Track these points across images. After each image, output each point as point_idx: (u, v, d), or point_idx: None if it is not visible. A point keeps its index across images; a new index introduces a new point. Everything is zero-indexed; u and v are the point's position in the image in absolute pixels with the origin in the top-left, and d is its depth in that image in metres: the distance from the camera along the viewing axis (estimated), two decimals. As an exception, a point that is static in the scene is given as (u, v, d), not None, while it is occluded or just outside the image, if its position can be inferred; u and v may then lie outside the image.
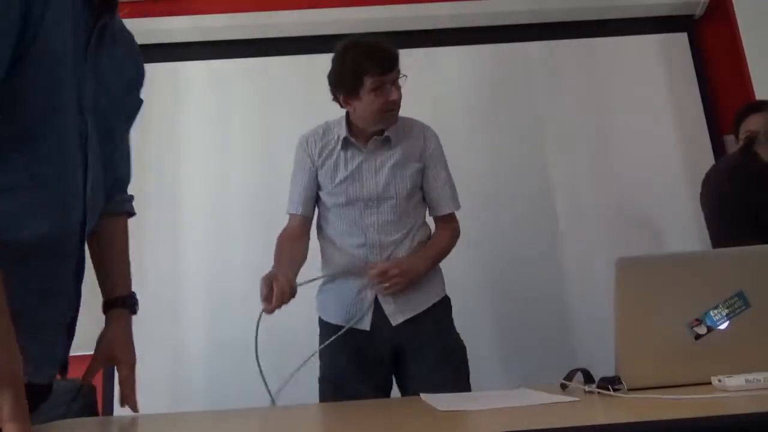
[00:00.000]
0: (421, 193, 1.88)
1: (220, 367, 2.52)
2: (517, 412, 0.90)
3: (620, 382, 1.03)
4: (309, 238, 1.90)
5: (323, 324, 1.84)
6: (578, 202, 2.75)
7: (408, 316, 1.76)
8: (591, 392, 1.04)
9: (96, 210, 1.07)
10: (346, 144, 1.86)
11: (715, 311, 1.06)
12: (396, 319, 1.76)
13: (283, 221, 2.68)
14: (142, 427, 1.15)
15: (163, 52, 2.88)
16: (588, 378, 1.10)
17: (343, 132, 1.88)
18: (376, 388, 1.75)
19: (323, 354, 1.78)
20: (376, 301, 1.77)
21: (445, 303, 1.86)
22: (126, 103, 1.20)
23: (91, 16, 1.01)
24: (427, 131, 1.93)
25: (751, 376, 0.93)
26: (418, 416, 0.99)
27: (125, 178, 1.33)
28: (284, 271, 1.65)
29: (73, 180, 0.98)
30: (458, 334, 1.84)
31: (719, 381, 0.95)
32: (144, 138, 2.79)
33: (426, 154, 1.88)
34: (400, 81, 1.84)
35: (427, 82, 2.85)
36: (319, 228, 1.93)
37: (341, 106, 1.91)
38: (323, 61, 2.87)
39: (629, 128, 2.83)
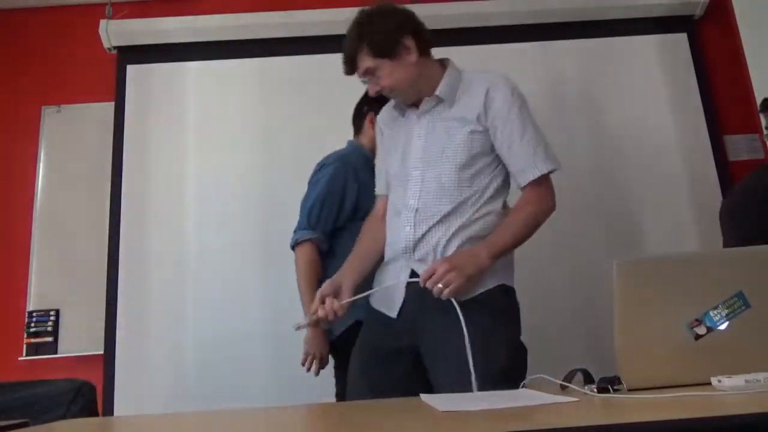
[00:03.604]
0: (493, 162, 1.62)
1: (220, 368, 2.52)
2: (517, 413, 0.90)
3: (620, 382, 1.03)
4: None
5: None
6: (578, 202, 2.75)
7: (418, 312, 1.52)
8: (591, 392, 1.04)
9: None
10: (401, 109, 1.71)
11: (715, 311, 1.06)
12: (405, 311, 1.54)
13: (282, 220, 2.70)
14: (142, 427, 1.15)
15: (163, 52, 2.88)
16: (588, 378, 1.10)
17: None
18: (402, 384, 1.49)
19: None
20: (409, 286, 1.54)
21: (494, 295, 1.55)
22: None
23: None
24: (494, 85, 1.61)
25: (750, 377, 0.92)
26: (419, 416, 0.99)
27: None
28: (340, 282, 1.58)
29: None
30: (507, 338, 1.52)
31: (719, 381, 0.95)
32: (145, 138, 2.80)
33: (488, 113, 1.59)
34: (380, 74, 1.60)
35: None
36: None
37: None
38: (323, 61, 2.89)
39: (629, 128, 2.83)
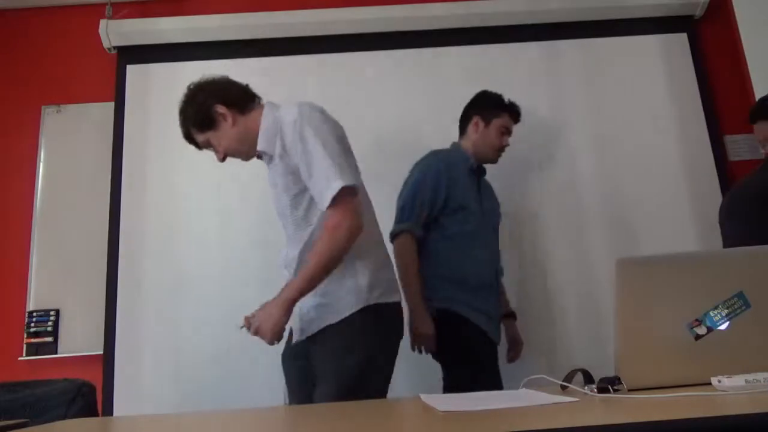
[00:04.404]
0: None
1: (220, 368, 2.52)
2: (517, 413, 0.90)
3: (620, 383, 1.03)
4: None
5: None
6: (578, 202, 2.75)
7: (306, 335, 1.67)
8: (591, 392, 1.04)
9: None
10: None
11: (715, 311, 1.06)
12: (297, 336, 1.70)
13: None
14: (142, 427, 1.16)
15: (163, 52, 2.88)
16: (588, 378, 1.10)
17: None
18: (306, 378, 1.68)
19: None
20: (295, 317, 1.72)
21: (342, 325, 1.63)
22: None
23: None
24: (283, 121, 1.66)
25: (751, 377, 0.92)
26: (419, 416, 0.99)
27: None
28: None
29: None
30: (352, 361, 1.60)
31: (719, 381, 0.95)
32: (145, 138, 2.80)
33: (285, 151, 1.64)
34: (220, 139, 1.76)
35: (427, 82, 2.85)
36: None
37: None
38: (323, 61, 2.89)
39: (629, 128, 2.83)
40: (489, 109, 2.30)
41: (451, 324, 2.04)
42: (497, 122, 2.28)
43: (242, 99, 1.77)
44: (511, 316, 2.35)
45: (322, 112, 1.69)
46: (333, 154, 1.59)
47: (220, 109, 1.73)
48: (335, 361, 1.61)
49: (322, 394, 1.61)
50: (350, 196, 1.59)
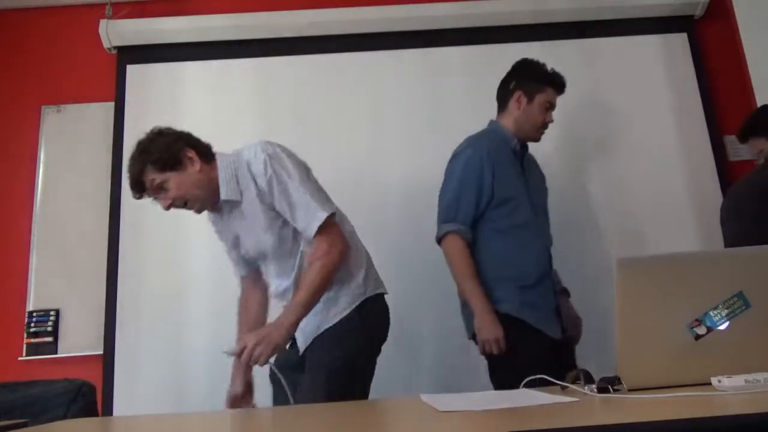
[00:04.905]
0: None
1: (219, 368, 2.52)
2: (517, 413, 0.90)
3: (620, 382, 1.03)
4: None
5: None
6: (578, 201, 2.75)
7: (305, 346, 1.73)
8: (591, 392, 1.04)
9: None
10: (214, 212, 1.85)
11: (715, 311, 1.06)
12: (301, 345, 1.75)
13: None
14: (142, 427, 1.16)
15: (163, 52, 2.88)
16: (588, 378, 1.10)
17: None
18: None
19: None
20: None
21: (323, 336, 1.71)
22: None
23: None
24: (252, 166, 1.71)
25: (750, 377, 0.92)
26: (418, 416, 0.99)
27: None
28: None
29: None
30: (332, 361, 1.66)
31: (719, 381, 0.95)
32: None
33: (260, 193, 1.70)
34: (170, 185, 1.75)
35: (427, 82, 2.85)
36: None
37: None
38: (323, 61, 2.89)
39: (629, 128, 2.83)
40: (532, 82, 2.09)
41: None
42: (541, 98, 2.08)
43: (207, 150, 1.80)
44: (564, 292, 2.16)
45: (284, 149, 1.76)
46: (308, 188, 1.69)
47: (189, 153, 1.74)
48: (328, 353, 1.67)
49: (311, 382, 1.65)
50: (333, 223, 1.69)
